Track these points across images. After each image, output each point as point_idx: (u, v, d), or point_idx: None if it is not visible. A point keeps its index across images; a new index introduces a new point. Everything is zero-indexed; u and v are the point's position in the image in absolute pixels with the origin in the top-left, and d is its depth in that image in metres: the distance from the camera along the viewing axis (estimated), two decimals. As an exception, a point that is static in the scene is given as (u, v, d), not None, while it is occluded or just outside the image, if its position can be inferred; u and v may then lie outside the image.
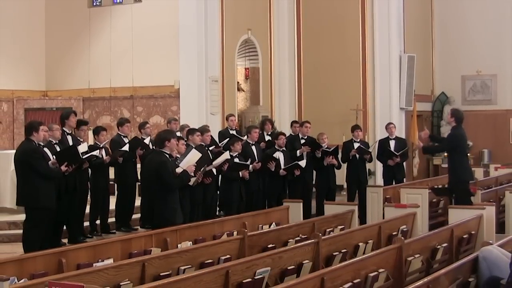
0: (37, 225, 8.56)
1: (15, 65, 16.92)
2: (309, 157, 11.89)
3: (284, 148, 11.57)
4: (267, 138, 12.33)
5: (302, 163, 11.40)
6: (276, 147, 11.55)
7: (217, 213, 11.01)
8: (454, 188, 10.24)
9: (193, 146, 9.63)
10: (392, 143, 12.59)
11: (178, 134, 10.29)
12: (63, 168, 8.73)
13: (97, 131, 10.64)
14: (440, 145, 11.18)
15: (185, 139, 9.90)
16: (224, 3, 14.95)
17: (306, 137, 12.14)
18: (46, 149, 8.87)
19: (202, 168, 9.02)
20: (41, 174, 8.47)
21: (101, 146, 10.35)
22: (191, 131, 10.20)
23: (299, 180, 11.63)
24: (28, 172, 8.51)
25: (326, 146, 11.92)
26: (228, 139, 11.41)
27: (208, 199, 10.18)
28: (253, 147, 11.27)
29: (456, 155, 10.17)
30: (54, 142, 9.30)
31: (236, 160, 10.45)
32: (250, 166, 10.79)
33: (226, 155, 10.10)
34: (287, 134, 12.35)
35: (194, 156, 8.77)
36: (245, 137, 11.72)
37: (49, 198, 8.58)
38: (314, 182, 12.25)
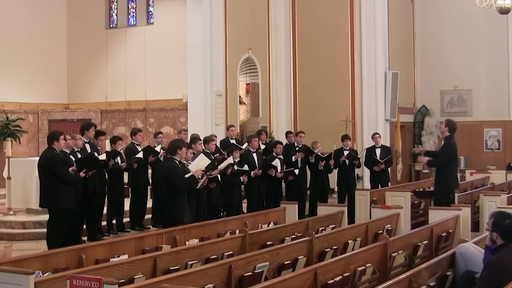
0: (59, 225, 8.56)
1: (40, 80, 16.98)
2: (304, 163, 11.99)
3: (281, 156, 11.59)
4: (263, 146, 12.32)
5: (296, 171, 11.47)
6: (274, 154, 11.58)
7: (221, 214, 11.01)
8: (440, 195, 9.78)
9: (201, 152, 9.66)
10: (378, 151, 12.59)
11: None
12: (81, 174, 8.76)
13: (114, 140, 10.69)
14: (439, 159, 9.86)
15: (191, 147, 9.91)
16: (227, 25, 15.00)
17: (300, 145, 12.20)
18: (71, 156, 8.92)
19: (208, 173, 9.02)
20: (60, 179, 8.46)
21: (117, 151, 10.40)
22: (194, 140, 10.28)
23: (295, 184, 11.67)
24: (49, 177, 8.50)
25: (319, 153, 11.97)
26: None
27: (213, 202, 10.18)
28: (254, 155, 11.28)
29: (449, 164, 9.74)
30: (77, 150, 9.38)
31: (236, 167, 10.48)
32: (252, 172, 10.82)
33: (230, 160, 10.15)
34: (284, 143, 12.38)
35: (202, 160, 8.77)
36: (245, 145, 11.74)
37: (69, 201, 8.56)
38: (308, 186, 12.27)
